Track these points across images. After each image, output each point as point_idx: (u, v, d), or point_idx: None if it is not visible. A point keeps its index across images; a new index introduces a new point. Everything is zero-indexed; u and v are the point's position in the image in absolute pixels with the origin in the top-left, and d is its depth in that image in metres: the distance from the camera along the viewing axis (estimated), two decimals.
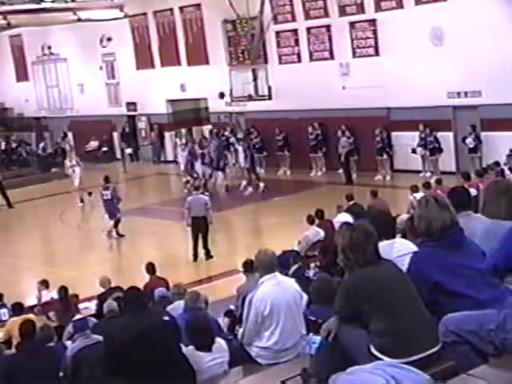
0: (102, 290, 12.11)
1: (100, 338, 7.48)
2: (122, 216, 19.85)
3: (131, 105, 32.41)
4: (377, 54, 24.10)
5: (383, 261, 5.00)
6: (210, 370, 6.56)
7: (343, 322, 4.91)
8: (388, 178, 23.80)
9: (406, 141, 23.35)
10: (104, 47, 32.77)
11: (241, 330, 6.88)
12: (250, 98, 25.59)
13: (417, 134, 22.93)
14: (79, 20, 29.38)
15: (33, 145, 34.77)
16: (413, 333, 4.71)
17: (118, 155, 33.03)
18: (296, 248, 13.20)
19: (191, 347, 6.59)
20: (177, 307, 9.33)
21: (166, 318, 6.82)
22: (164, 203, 23.89)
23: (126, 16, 29.79)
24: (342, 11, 24.59)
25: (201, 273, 16.24)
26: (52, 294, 13.36)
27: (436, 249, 4.97)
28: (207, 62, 28.85)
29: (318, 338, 5.25)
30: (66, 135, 33.79)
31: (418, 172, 22.78)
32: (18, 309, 11.86)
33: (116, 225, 19.95)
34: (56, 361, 7.69)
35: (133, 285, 6.91)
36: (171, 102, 31.05)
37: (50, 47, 35.29)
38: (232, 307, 10.46)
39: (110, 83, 33.33)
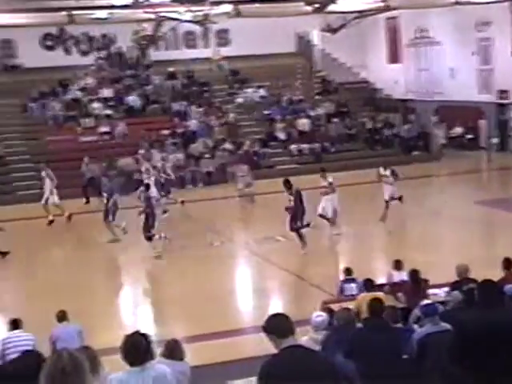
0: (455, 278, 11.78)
1: (448, 326, 7.32)
2: None
3: (503, 93, 31.27)
4: None
5: None
6: None
7: None
8: None
9: None
10: (480, 32, 31.94)
11: None
12: None
13: None
14: (457, 3, 29.05)
15: (397, 126, 35.11)
16: None
17: (483, 144, 32.15)
18: None
19: None
20: None
21: None
22: None
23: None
24: None
25: None
26: (403, 275, 13.36)
27: None
28: None
29: None
30: (438, 122, 33.72)
31: None
32: (368, 285, 12.04)
33: None
34: (399, 342, 7.65)
35: (487, 278, 6.56)
36: None
37: (424, 30, 35.32)
38: None
39: (483, 69, 32.46)
